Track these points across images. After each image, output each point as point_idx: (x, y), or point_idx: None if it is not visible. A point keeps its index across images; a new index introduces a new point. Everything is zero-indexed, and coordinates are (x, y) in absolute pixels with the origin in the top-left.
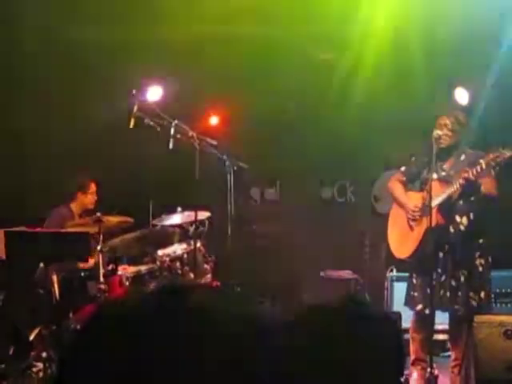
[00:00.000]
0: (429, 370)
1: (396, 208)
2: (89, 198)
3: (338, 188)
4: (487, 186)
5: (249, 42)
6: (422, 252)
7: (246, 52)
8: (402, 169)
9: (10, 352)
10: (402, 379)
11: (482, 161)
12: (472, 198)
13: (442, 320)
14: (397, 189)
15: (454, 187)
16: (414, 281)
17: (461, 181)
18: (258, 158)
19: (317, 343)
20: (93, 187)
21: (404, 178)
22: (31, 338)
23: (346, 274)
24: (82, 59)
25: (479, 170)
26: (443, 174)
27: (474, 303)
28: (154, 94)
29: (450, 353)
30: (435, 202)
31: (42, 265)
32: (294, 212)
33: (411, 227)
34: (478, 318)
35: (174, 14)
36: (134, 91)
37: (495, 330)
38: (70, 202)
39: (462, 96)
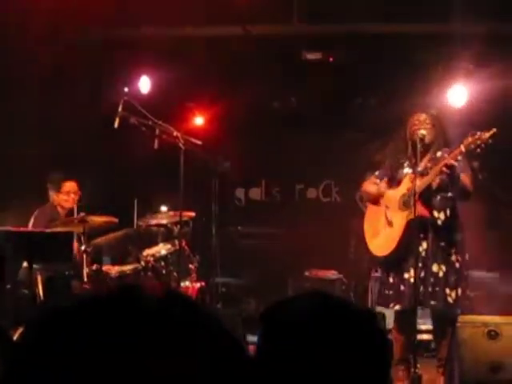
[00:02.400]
0: (412, 369)
1: (371, 208)
2: (61, 198)
3: (324, 188)
4: (465, 179)
5: (234, 41)
6: (403, 247)
7: (231, 52)
8: (376, 173)
9: None
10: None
11: (461, 145)
12: (449, 194)
13: (426, 320)
14: (371, 187)
15: (433, 174)
16: (391, 279)
17: (441, 167)
18: (243, 157)
19: (294, 342)
20: (67, 187)
21: (378, 181)
22: (15, 337)
23: (331, 273)
24: (70, 57)
25: (458, 153)
26: (419, 169)
27: (450, 300)
28: (145, 85)
29: (434, 353)
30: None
31: (25, 264)
32: (279, 212)
33: (390, 223)
34: (461, 318)
35: (159, 14)
36: (126, 88)
37: (479, 330)
38: (53, 202)
39: (459, 95)
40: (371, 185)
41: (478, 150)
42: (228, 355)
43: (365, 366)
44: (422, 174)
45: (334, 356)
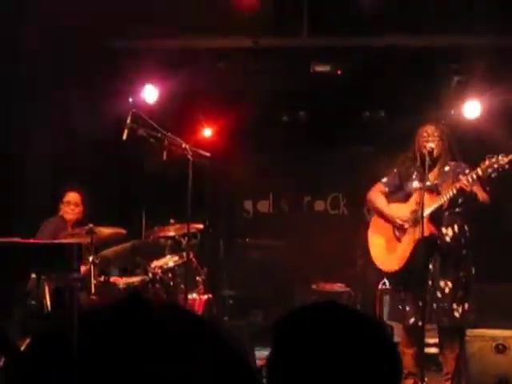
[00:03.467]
0: (420, 383)
1: (377, 220)
2: (63, 208)
3: (331, 200)
4: (481, 194)
5: (243, 53)
6: (413, 264)
7: (240, 64)
8: (384, 180)
9: (1, 363)
10: None
11: (478, 168)
12: (457, 209)
13: (433, 334)
14: (379, 200)
15: (447, 196)
16: (403, 295)
17: (454, 191)
18: (251, 169)
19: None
20: (68, 197)
21: (386, 189)
22: (22, 348)
23: (338, 286)
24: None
25: (475, 177)
26: (428, 183)
27: (457, 315)
28: (150, 94)
29: (441, 367)
30: (426, 211)
31: (33, 275)
32: (287, 224)
33: (398, 238)
34: (470, 332)
35: (168, 24)
36: (131, 99)
37: (487, 344)
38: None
39: (473, 109)
40: (378, 195)
41: (495, 174)
42: (230, 365)
43: (375, 376)
44: (431, 190)
45: (345, 366)
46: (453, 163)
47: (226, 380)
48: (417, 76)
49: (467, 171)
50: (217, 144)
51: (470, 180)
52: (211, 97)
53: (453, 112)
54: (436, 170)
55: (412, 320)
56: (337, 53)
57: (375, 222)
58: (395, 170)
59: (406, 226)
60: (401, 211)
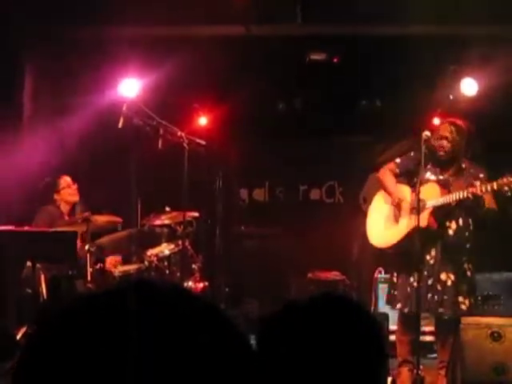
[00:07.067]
0: (415, 371)
1: (380, 197)
2: (64, 193)
3: (327, 189)
4: (488, 201)
5: (237, 41)
6: (406, 250)
7: (235, 52)
8: (398, 160)
9: None
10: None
11: (495, 182)
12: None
13: (429, 322)
14: (387, 177)
15: (456, 196)
16: (395, 279)
17: (465, 194)
18: (247, 158)
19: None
20: (65, 181)
21: (397, 170)
22: (18, 337)
23: (334, 275)
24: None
25: (489, 189)
26: (441, 177)
27: (463, 307)
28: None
29: (436, 354)
30: (431, 202)
31: (29, 264)
32: (283, 212)
33: (396, 219)
34: (464, 320)
35: (160, 12)
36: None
37: (482, 331)
38: (56, 203)
39: (470, 87)
40: (388, 174)
41: (509, 193)
42: (233, 349)
43: (354, 357)
44: (443, 185)
45: (329, 354)
46: (467, 162)
47: (229, 365)
48: (414, 64)
49: (481, 175)
50: (212, 132)
51: (484, 190)
52: (206, 85)
53: (451, 97)
54: (452, 169)
55: (399, 305)
56: (333, 41)
57: (378, 199)
58: (412, 154)
59: (402, 204)
60: (404, 194)
